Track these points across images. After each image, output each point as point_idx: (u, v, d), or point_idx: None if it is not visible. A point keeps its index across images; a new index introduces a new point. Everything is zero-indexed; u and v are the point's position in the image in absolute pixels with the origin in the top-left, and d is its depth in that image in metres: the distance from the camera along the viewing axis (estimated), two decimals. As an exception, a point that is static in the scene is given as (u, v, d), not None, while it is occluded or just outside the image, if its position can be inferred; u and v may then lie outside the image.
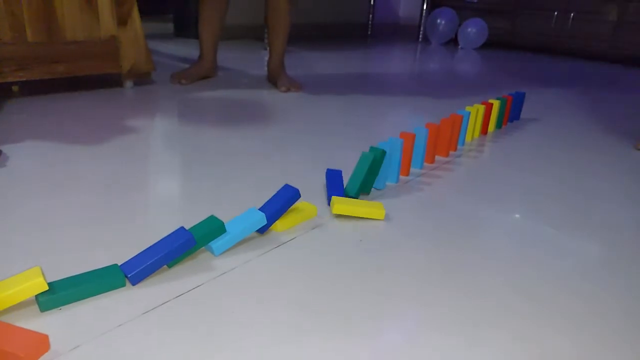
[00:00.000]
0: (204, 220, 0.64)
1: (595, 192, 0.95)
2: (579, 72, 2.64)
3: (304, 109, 1.46)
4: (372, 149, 0.85)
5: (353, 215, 0.76)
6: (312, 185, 0.89)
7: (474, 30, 3.24)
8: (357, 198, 0.82)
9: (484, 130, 1.30)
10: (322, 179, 0.92)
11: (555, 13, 3.08)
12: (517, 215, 0.83)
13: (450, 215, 0.81)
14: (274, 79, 1.72)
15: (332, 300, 0.57)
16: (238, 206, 0.78)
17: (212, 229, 0.63)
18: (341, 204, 0.76)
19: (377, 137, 1.22)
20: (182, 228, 0.61)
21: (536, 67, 2.72)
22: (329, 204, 0.81)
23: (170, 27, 3.07)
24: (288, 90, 1.66)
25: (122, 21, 1.44)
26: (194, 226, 0.64)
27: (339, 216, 0.78)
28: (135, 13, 1.46)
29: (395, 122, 1.39)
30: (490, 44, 3.41)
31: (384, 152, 0.84)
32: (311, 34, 3.39)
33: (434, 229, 0.76)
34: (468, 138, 1.22)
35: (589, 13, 2.97)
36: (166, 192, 0.83)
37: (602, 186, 0.99)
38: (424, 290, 0.60)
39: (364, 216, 0.77)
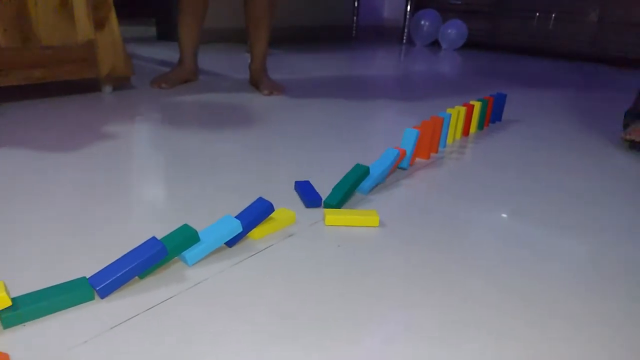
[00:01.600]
0: (176, 229, 0.63)
1: (579, 192, 0.96)
2: (561, 72, 2.67)
3: (287, 112, 1.44)
4: (358, 166, 0.87)
5: (347, 225, 0.75)
6: (292, 190, 0.87)
7: (453, 31, 3.26)
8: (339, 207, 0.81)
9: (466, 132, 1.30)
10: (302, 184, 0.91)
11: (537, 14, 3.10)
12: (504, 215, 0.83)
13: (433, 217, 0.80)
14: (256, 82, 1.70)
15: (311, 308, 0.56)
16: (215, 213, 0.76)
17: (185, 238, 0.62)
18: (333, 215, 0.75)
19: (360, 140, 1.22)
20: (153, 238, 0.59)
21: (518, 68, 2.74)
22: (307, 207, 0.80)
23: (153, 30, 3.05)
24: (271, 93, 1.65)
25: (99, 25, 1.42)
26: (167, 236, 0.62)
27: (317, 222, 0.76)
28: (113, 17, 1.44)
29: (379, 125, 1.38)
30: (473, 45, 3.43)
31: (368, 171, 0.87)
32: (295, 37, 3.38)
33: (416, 231, 0.75)
34: (449, 140, 1.22)
35: (570, 14, 3.00)
36: (141, 200, 0.81)
37: (585, 186, 0.99)
38: (406, 294, 0.59)
39: (359, 225, 0.76)
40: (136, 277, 0.58)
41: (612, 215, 0.86)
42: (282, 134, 1.22)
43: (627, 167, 1.13)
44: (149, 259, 0.57)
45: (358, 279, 0.62)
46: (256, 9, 1.60)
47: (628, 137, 1.25)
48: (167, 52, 2.41)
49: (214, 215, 0.75)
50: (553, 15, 3.05)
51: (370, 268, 0.65)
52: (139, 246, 0.58)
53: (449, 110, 1.20)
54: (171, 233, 0.62)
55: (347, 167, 0.95)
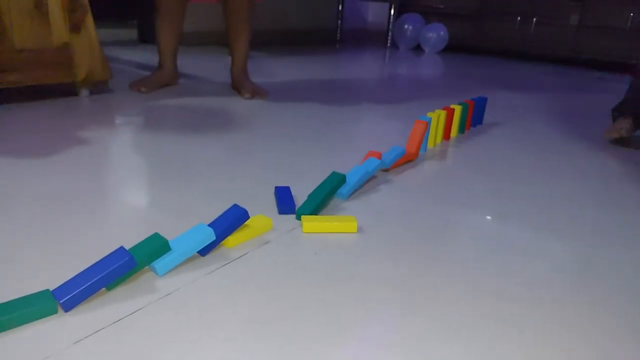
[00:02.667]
0: (147, 239, 0.61)
1: (561, 194, 0.96)
2: (542, 75, 2.70)
3: (269, 116, 1.43)
4: (334, 174, 0.86)
5: (325, 231, 0.74)
6: (272, 196, 0.86)
7: (434, 35, 3.29)
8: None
9: (447, 136, 1.30)
10: (280, 190, 0.89)
11: (518, 18, 3.14)
12: (485, 218, 0.82)
13: (412, 222, 0.79)
14: (238, 86, 1.69)
15: (287, 317, 0.54)
16: (192, 220, 0.74)
17: (156, 247, 0.60)
18: (311, 222, 0.74)
19: (343, 143, 1.21)
20: (121, 248, 0.57)
21: (500, 71, 2.76)
22: (280, 213, 0.79)
23: (134, 33, 3.01)
24: (252, 97, 1.63)
25: (75, 28, 1.39)
26: (136, 245, 0.60)
27: (294, 229, 0.75)
28: (89, 19, 1.41)
29: (362, 128, 1.38)
30: (456, 48, 3.45)
31: (344, 179, 0.86)
32: (279, 40, 3.37)
33: (395, 237, 0.74)
34: (430, 144, 1.21)
35: (551, 18, 3.04)
36: (113, 208, 0.79)
37: (566, 187, 0.99)
38: (385, 300, 0.58)
39: (337, 231, 0.74)
40: (103, 288, 0.57)
41: (595, 216, 0.86)
42: (264, 138, 1.21)
43: (608, 169, 1.14)
44: (116, 270, 0.55)
45: (335, 287, 0.61)
46: (235, 12, 1.58)
47: (607, 135, 1.36)
48: (149, 55, 2.38)
49: (190, 223, 0.73)
50: (534, 19, 3.09)
51: (348, 275, 0.63)
52: (106, 257, 0.56)
53: (429, 115, 1.20)
54: (141, 242, 0.61)
55: (330, 172, 0.94)
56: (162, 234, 0.69)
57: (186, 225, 0.72)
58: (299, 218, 0.77)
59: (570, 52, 3.04)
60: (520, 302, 0.60)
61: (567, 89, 2.30)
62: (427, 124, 1.11)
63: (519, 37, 3.18)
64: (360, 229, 0.76)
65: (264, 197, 0.86)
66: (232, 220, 0.67)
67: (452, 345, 0.52)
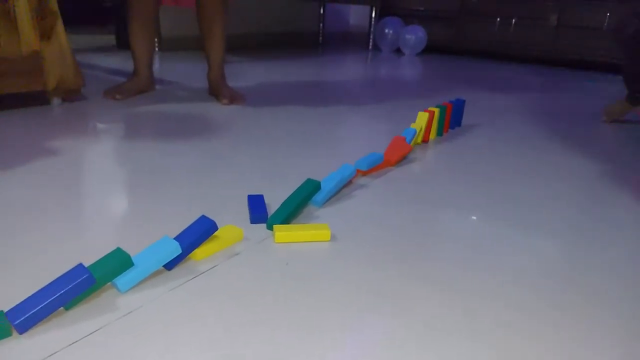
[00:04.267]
0: (108, 254, 0.59)
1: (541, 194, 0.95)
2: (521, 76, 2.72)
3: (247, 122, 1.41)
4: (309, 181, 0.84)
5: (297, 241, 0.72)
6: (244, 205, 0.84)
7: (412, 37, 3.30)
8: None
9: (425, 138, 1.29)
10: (254, 198, 0.88)
11: (498, 19, 3.16)
12: (462, 224, 0.81)
13: (387, 228, 0.78)
14: (215, 91, 1.66)
15: (256, 331, 0.52)
16: (161, 231, 0.72)
17: (118, 263, 0.58)
18: (282, 232, 0.72)
19: (321, 149, 1.19)
20: (80, 265, 0.55)
21: (479, 72, 2.78)
22: (251, 223, 0.77)
23: (112, 39, 2.97)
24: (231, 102, 1.61)
25: (45, 36, 1.35)
26: (98, 261, 0.58)
27: (265, 239, 0.73)
28: (60, 26, 1.38)
29: (342, 134, 1.36)
30: (436, 50, 3.47)
31: (319, 186, 0.85)
32: (260, 44, 3.35)
33: (369, 244, 0.73)
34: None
35: (531, 19, 3.07)
36: (76, 221, 0.76)
37: (548, 187, 0.99)
38: (357, 312, 0.56)
39: (310, 240, 0.73)
40: (62, 308, 0.54)
41: (575, 215, 0.86)
42: (240, 145, 1.19)
43: (587, 169, 1.14)
44: (74, 289, 0.53)
45: (306, 299, 0.59)
46: (209, 17, 1.56)
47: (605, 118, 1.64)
48: (126, 62, 2.34)
49: (157, 235, 0.71)
50: (513, 20, 3.11)
51: (320, 285, 0.62)
52: (64, 274, 0.54)
53: (412, 126, 1.21)
54: (102, 258, 0.58)
55: (307, 178, 0.93)
56: (128, 247, 0.67)
57: (154, 237, 0.70)
58: (270, 228, 0.75)
59: (549, 52, 3.07)
60: (501, 302, 0.59)
61: (547, 89, 2.32)
62: (405, 139, 1.12)
63: (499, 38, 3.20)
64: (333, 237, 0.75)
65: (237, 205, 0.84)
66: (199, 233, 0.65)
67: (433, 349, 0.50)
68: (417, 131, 1.20)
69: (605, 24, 2.85)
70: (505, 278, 0.66)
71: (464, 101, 1.45)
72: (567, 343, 0.54)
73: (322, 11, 3.76)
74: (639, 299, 0.63)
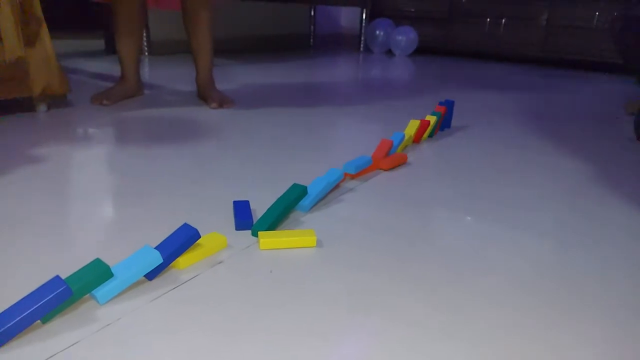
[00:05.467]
0: (87, 265, 0.58)
1: (533, 193, 0.95)
2: (512, 76, 2.72)
3: (236, 126, 1.40)
4: (295, 186, 0.83)
5: (283, 247, 0.72)
6: (230, 211, 0.83)
7: (403, 38, 3.30)
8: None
9: (416, 139, 1.29)
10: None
11: (488, 19, 3.17)
12: (450, 229, 0.81)
13: (374, 233, 0.77)
14: (204, 95, 1.65)
15: (240, 342, 0.51)
16: (144, 240, 0.71)
17: (97, 274, 0.56)
18: (267, 238, 0.71)
19: (310, 153, 1.18)
20: (57, 277, 0.54)
21: (470, 73, 2.78)
22: (236, 230, 0.76)
23: (101, 44, 2.95)
24: (220, 106, 1.60)
25: (30, 42, 1.34)
26: (75, 272, 0.57)
27: (250, 246, 0.72)
28: (45, 32, 1.36)
29: (333, 137, 1.36)
30: (427, 51, 3.48)
31: (305, 191, 0.84)
32: (251, 47, 3.34)
33: (355, 249, 0.72)
34: (399, 149, 1.20)
35: (521, 19, 3.08)
36: (55, 231, 0.75)
37: (539, 186, 0.99)
38: (344, 318, 0.55)
39: (295, 246, 0.72)
40: (38, 321, 0.53)
41: (567, 215, 0.86)
42: (228, 149, 1.18)
43: (578, 168, 1.14)
44: (51, 301, 0.52)
45: (291, 306, 0.58)
46: (195, 20, 1.55)
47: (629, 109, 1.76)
48: (115, 67, 2.33)
49: (139, 243, 0.70)
50: (503, 20, 3.12)
51: (305, 293, 0.61)
52: (40, 287, 0.53)
53: (405, 132, 1.21)
54: (81, 269, 0.57)
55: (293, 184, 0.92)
56: (110, 255, 0.66)
57: (137, 245, 0.69)
58: (255, 234, 0.74)
59: (540, 51, 3.08)
60: (492, 303, 0.59)
61: (537, 89, 2.32)
62: (392, 142, 1.11)
63: (489, 38, 3.21)
64: (319, 242, 0.74)
65: (222, 212, 0.83)
66: (182, 241, 0.64)
67: (422, 352, 0.50)
68: (406, 138, 1.20)
69: (594, 23, 2.86)
70: (496, 279, 0.66)
71: (453, 102, 1.45)
72: (560, 342, 0.53)
73: (312, 13, 3.76)
74: (631, 298, 0.63)
